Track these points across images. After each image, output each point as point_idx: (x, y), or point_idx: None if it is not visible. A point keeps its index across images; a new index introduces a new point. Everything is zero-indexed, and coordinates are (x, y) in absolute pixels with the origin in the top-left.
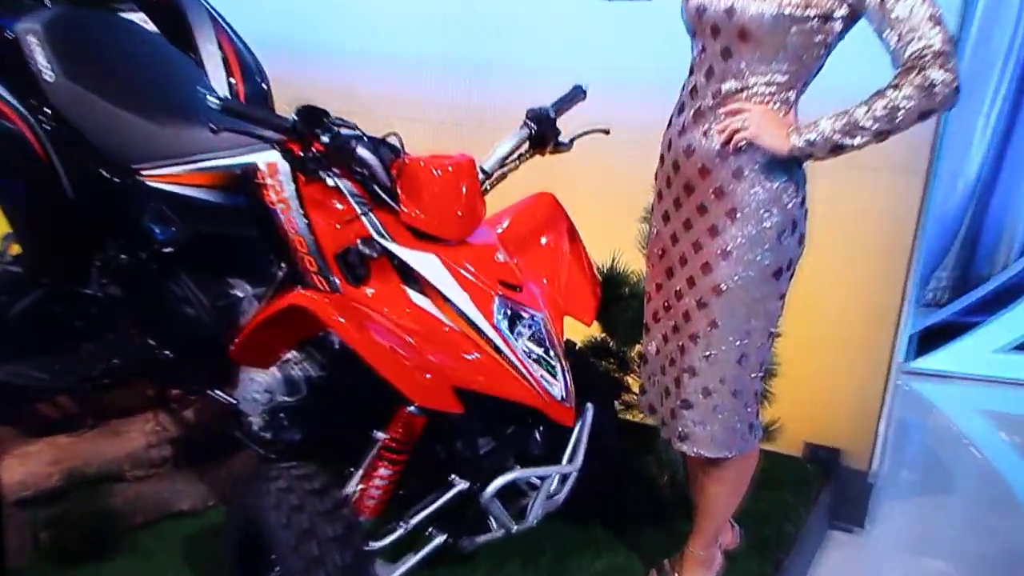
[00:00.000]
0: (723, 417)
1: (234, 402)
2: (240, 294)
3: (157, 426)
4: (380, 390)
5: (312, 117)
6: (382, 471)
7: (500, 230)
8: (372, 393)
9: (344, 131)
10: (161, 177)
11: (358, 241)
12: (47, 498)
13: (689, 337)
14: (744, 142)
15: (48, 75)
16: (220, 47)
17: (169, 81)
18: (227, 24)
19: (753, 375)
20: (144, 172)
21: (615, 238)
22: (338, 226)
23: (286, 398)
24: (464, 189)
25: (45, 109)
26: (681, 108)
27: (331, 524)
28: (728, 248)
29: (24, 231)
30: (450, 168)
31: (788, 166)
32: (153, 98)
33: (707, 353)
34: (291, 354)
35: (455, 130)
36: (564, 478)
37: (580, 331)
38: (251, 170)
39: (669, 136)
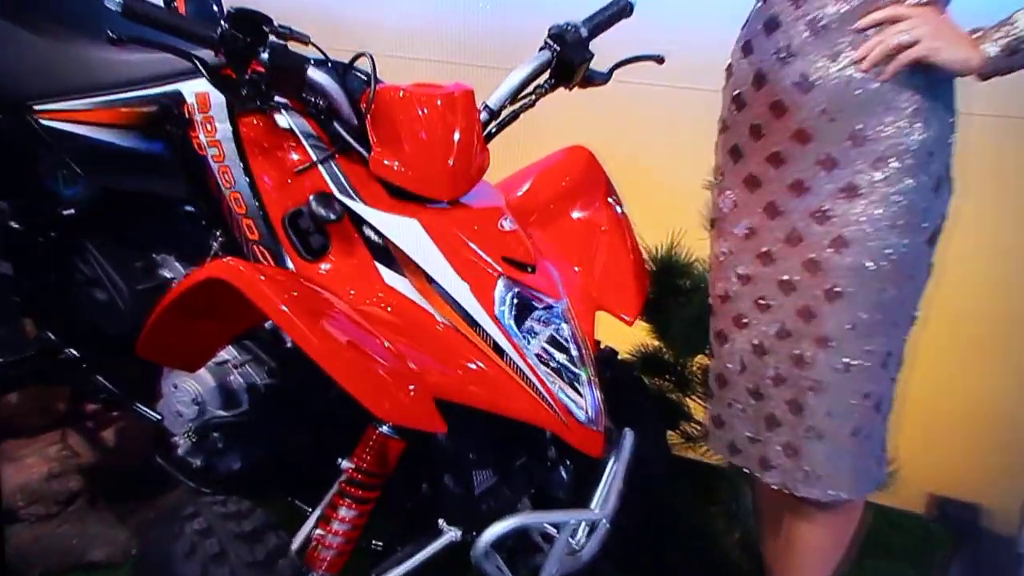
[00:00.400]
0: (863, 445)
1: (157, 417)
2: (169, 275)
3: (64, 450)
4: (348, 405)
5: (249, 25)
6: (344, 512)
7: (517, 194)
8: (338, 408)
9: (293, 47)
10: (59, 114)
11: (311, 198)
12: None
13: (816, 342)
14: (912, 61)
15: None
16: None
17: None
18: None
19: (893, 379)
20: (37, 108)
21: (672, 211)
22: (289, 180)
23: (221, 412)
24: (458, 131)
25: None
26: (773, 23)
27: None
28: (877, 213)
29: None
30: (439, 102)
31: (951, 90)
32: (50, 9)
33: (844, 361)
34: (228, 354)
35: (462, 71)
36: (591, 528)
37: (625, 336)
38: (174, 103)
39: (756, 66)
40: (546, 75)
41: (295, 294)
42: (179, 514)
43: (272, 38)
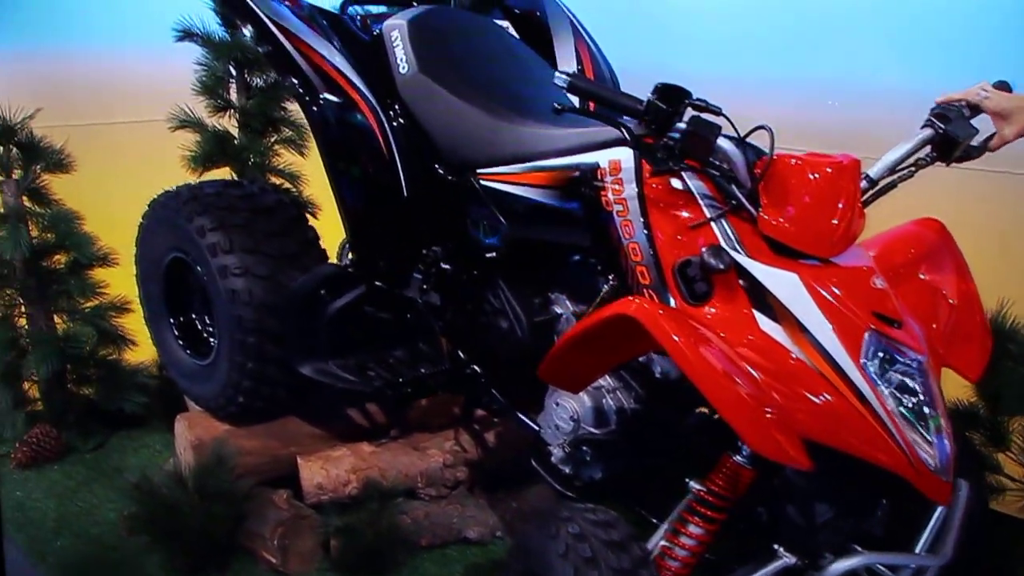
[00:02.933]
0: None
1: (536, 428)
2: (559, 311)
3: (456, 445)
4: (703, 432)
5: (672, 97)
6: (693, 528)
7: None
8: (692, 434)
9: (696, 116)
10: (497, 176)
11: (703, 250)
12: (341, 505)
13: None
14: None
15: (403, 67)
16: (577, 53)
17: (519, 80)
18: (586, 31)
19: None
20: (480, 172)
21: (1000, 279)
22: (680, 236)
23: (592, 429)
24: (843, 197)
25: (394, 104)
26: None
27: None
28: None
29: (356, 228)
30: (829, 170)
31: None
32: (501, 95)
33: None
34: (604, 380)
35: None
36: (919, 573)
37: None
38: (591, 169)
39: None
40: (926, 149)
41: (687, 332)
42: (556, 516)
43: (689, 109)
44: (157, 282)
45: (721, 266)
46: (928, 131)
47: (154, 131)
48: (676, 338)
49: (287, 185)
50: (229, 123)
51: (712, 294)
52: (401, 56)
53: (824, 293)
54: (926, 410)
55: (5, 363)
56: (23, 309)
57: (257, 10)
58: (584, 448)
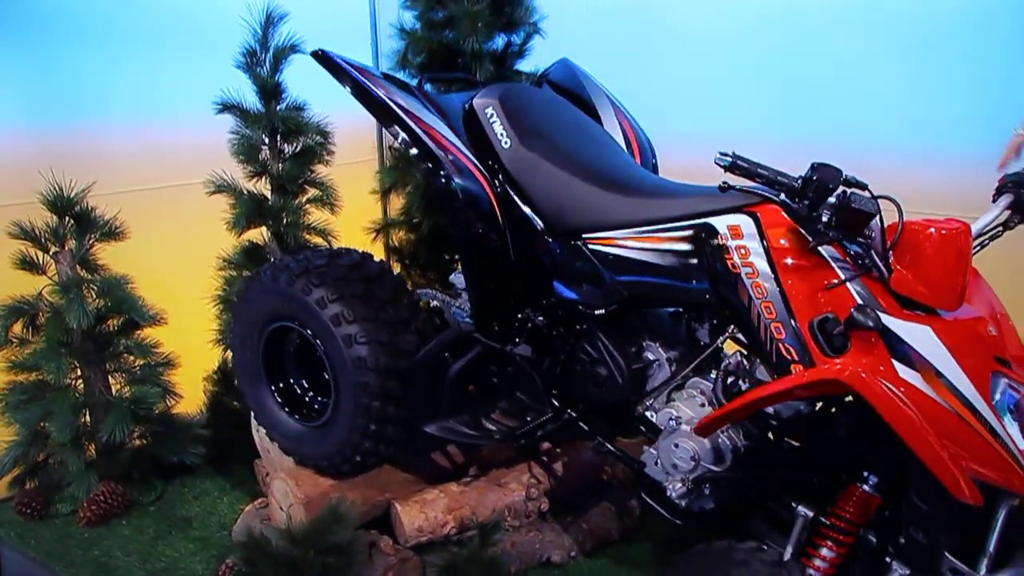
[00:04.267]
0: None
1: (640, 463)
2: (652, 357)
3: (532, 478)
4: (806, 464)
5: (827, 175)
6: (826, 552)
7: None
8: (795, 466)
9: (854, 192)
10: (606, 240)
11: (852, 310)
12: (435, 544)
13: None
14: None
15: (505, 142)
16: (620, 126)
17: (600, 148)
18: (622, 106)
19: None
20: (586, 236)
21: None
22: (816, 295)
23: (713, 467)
24: (962, 257)
25: (500, 174)
26: None
27: None
28: None
29: (474, 288)
30: (945, 232)
31: None
32: (594, 164)
33: None
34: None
35: None
36: None
37: None
38: (705, 232)
39: None
40: (1007, 213)
41: (895, 398)
42: (729, 559)
43: (842, 187)
44: (256, 349)
45: (870, 323)
46: (1009, 196)
47: (191, 194)
48: (889, 400)
49: (320, 241)
50: (263, 186)
51: (849, 347)
52: (500, 132)
53: (955, 342)
54: None
55: (74, 427)
56: (79, 372)
57: (388, 102)
58: (704, 485)
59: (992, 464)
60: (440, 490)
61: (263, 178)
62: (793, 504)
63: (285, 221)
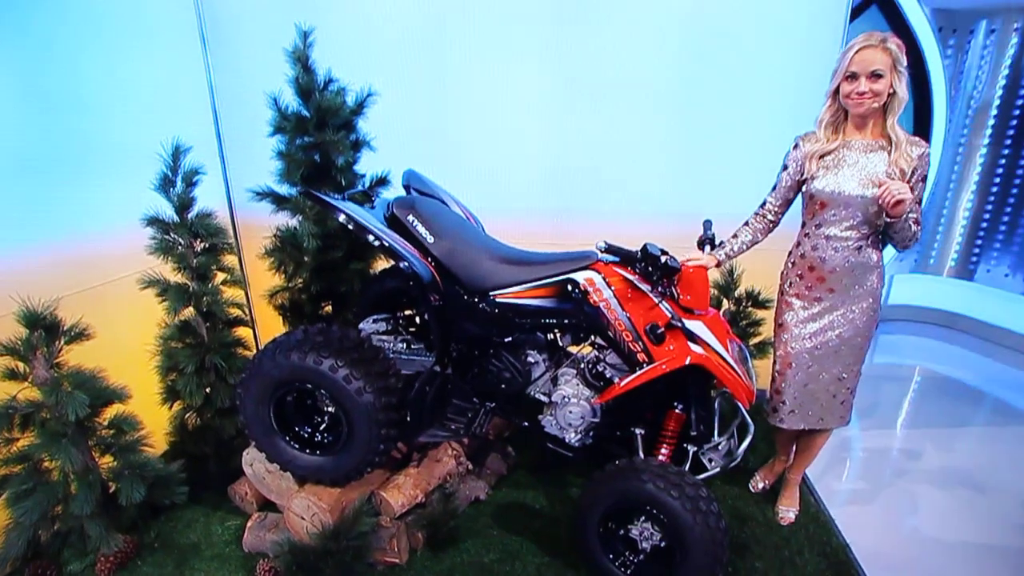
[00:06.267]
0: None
1: (541, 426)
2: (532, 360)
3: (454, 451)
4: (641, 406)
5: (652, 251)
6: (664, 450)
7: None
8: (635, 409)
9: (669, 256)
10: (505, 295)
11: (670, 319)
12: (412, 510)
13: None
14: None
15: (428, 238)
16: (463, 210)
17: (481, 235)
18: (461, 203)
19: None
20: (492, 293)
21: None
22: (643, 313)
23: (593, 420)
24: (706, 283)
25: (429, 258)
26: None
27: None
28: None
29: (440, 339)
30: (693, 268)
31: None
32: (485, 247)
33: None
34: (588, 391)
35: None
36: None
37: None
38: (571, 283)
39: None
40: (709, 248)
41: (718, 364)
42: (616, 469)
43: (662, 257)
44: (267, 405)
45: (678, 324)
46: (707, 246)
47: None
48: (709, 361)
49: (238, 312)
50: (182, 277)
51: (666, 338)
52: (423, 231)
53: (714, 329)
54: (749, 361)
55: (94, 501)
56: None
57: (364, 222)
58: (589, 432)
59: (732, 384)
60: (404, 475)
61: (183, 270)
62: (632, 429)
63: (207, 301)
